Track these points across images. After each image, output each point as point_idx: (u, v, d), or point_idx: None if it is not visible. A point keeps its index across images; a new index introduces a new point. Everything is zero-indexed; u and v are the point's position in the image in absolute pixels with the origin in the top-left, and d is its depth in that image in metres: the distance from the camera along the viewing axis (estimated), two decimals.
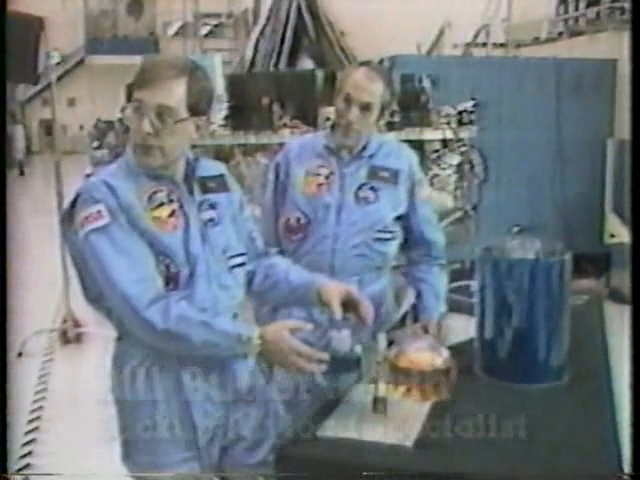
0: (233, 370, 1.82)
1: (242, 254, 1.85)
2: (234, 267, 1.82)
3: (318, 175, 2.36)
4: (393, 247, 2.40)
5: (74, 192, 1.72)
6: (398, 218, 2.39)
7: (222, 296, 1.77)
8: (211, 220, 1.78)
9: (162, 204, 1.71)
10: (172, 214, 1.71)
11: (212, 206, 1.79)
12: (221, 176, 1.86)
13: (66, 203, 1.73)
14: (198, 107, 1.69)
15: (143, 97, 1.63)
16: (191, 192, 1.77)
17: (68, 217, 1.71)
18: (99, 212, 1.64)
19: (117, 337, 1.80)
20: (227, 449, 1.88)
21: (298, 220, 2.37)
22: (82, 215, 1.65)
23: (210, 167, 1.85)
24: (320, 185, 2.35)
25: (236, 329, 1.68)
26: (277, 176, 2.44)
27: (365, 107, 2.24)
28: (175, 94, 1.64)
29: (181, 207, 1.73)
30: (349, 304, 1.81)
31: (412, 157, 2.46)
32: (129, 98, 1.69)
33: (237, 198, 1.89)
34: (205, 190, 1.80)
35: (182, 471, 1.78)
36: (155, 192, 1.71)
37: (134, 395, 1.77)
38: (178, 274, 1.70)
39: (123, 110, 1.68)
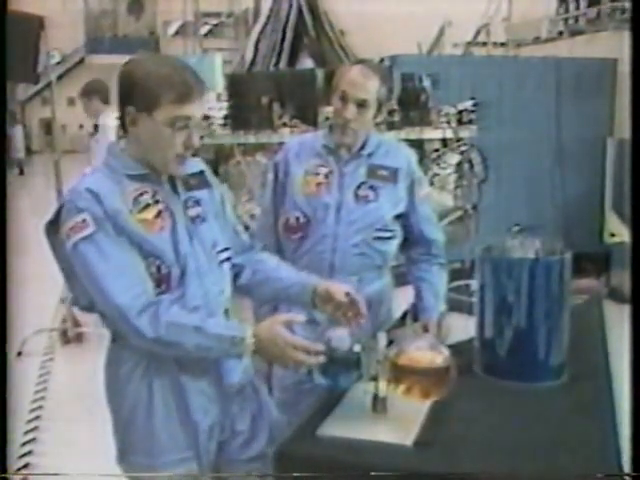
0: (229, 367, 1.82)
1: (227, 249, 1.86)
2: (223, 261, 1.83)
3: (317, 174, 2.36)
4: (393, 246, 2.40)
5: (58, 202, 1.71)
6: (398, 217, 2.38)
7: (213, 291, 1.78)
8: (198, 217, 1.79)
9: (148, 205, 1.70)
10: (158, 215, 1.70)
11: (197, 203, 1.80)
12: (201, 172, 1.86)
13: (49, 214, 1.71)
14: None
15: (191, 112, 1.65)
16: (175, 191, 1.76)
17: (52, 227, 1.70)
18: (84, 221, 1.62)
19: (111, 339, 1.79)
20: (223, 445, 1.89)
21: (297, 219, 2.37)
22: (67, 225, 1.64)
23: (190, 165, 1.82)
24: (319, 184, 2.35)
25: (229, 331, 1.67)
26: (276, 176, 2.44)
27: (361, 104, 2.24)
28: (205, 105, 1.72)
29: (167, 207, 1.73)
30: (347, 303, 1.82)
31: (411, 156, 2.45)
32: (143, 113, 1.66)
33: (218, 194, 1.90)
34: (189, 187, 1.80)
35: (179, 471, 1.78)
36: (140, 194, 1.70)
37: (130, 396, 1.76)
38: (169, 274, 1.70)
39: (168, 124, 1.64)
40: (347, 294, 1.83)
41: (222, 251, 1.83)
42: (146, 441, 1.76)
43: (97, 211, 1.63)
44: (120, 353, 1.77)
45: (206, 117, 1.72)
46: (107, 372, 1.82)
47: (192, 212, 1.78)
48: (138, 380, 1.75)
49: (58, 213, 1.68)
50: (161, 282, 1.69)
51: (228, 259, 1.86)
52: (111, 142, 1.83)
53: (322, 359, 1.65)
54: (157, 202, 1.71)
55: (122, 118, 1.71)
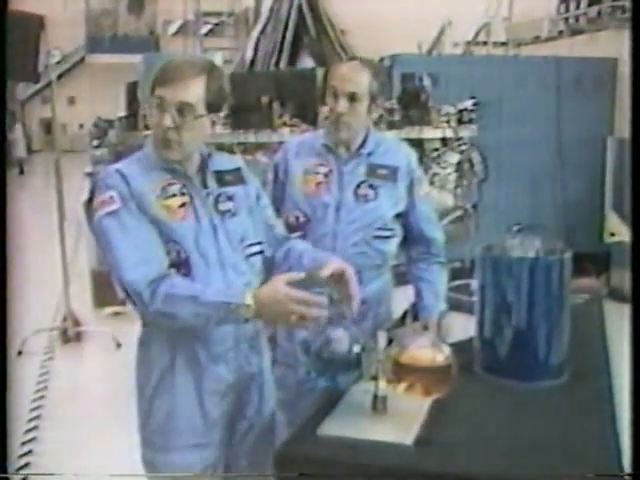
0: (247, 354, 1.90)
1: (259, 243, 1.92)
2: (251, 255, 1.89)
3: (317, 174, 2.36)
4: (393, 245, 2.40)
5: (93, 181, 1.85)
6: (397, 216, 2.38)
7: (236, 283, 1.83)
8: (229, 211, 1.87)
9: (174, 195, 1.79)
10: (182, 205, 1.80)
11: (230, 198, 1.89)
12: (238, 169, 1.96)
13: (86, 191, 1.82)
14: (214, 104, 1.80)
15: (165, 94, 1.73)
16: (204, 186, 1.85)
17: (89, 205, 1.80)
18: (111, 198, 1.74)
19: (142, 323, 1.85)
20: (236, 435, 1.96)
21: (297, 219, 2.37)
22: (97, 200, 1.76)
23: (227, 161, 1.96)
24: (319, 184, 2.35)
25: (225, 298, 1.69)
26: (276, 175, 2.44)
27: (352, 98, 2.25)
28: (195, 92, 1.74)
29: (192, 200, 1.81)
30: (341, 280, 1.84)
31: (410, 154, 2.45)
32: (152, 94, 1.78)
33: (254, 189, 1.98)
34: (222, 183, 1.89)
35: (191, 457, 1.85)
36: (169, 184, 1.80)
37: (155, 378, 1.84)
38: (188, 259, 1.78)
39: (146, 105, 1.76)
40: (338, 270, 1.84)
41: (252, 245, 1.90)
42: (165, 422, 1.84)
43: (124, 190, 1.75)
44: (150, 337, 1.85)
45: (187, 104, 1.72)
46: (137, 354, 1.89)
47: (223, 206, 1.86)
48: (164, 362, 1.83)
49: (92, 191, 1.80)
50: (181, 267, 1.77)
51: (259, 253, 1.92)
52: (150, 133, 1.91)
53: (325, 312, 1.67)
54: (183, 194, 1.81)
55: None
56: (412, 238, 2.44)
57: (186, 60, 1.85)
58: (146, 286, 1.68)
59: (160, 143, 1.77)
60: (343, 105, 2.25)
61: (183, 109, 1.73)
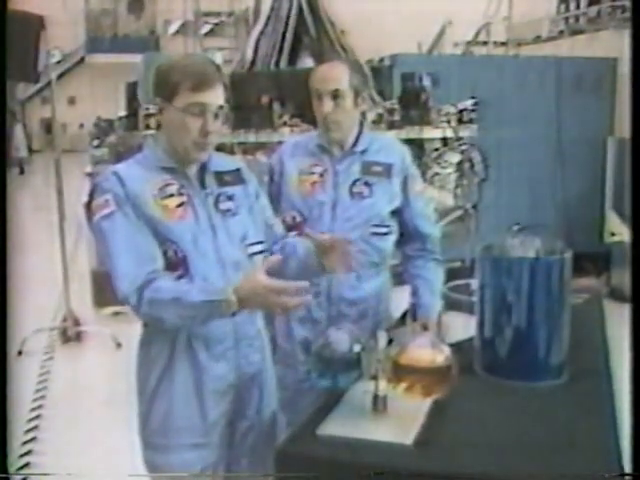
0: (247, 352, 1.90)
1: (260, 242, 1.93)
2: (253, 254, 1.90)
3: (312, 173, 2.37)
4: (389, 242, 2.40)
5: (92, 183, 1.85)
6: (393, 213, 2.39)
7: (236, 281, 1.80)
8: (229, 210, 1.88)
9: (172, 195, 1.80)
10: (180, 205, 1.80)
11: (230, 198, 1.90)
12: (237, 170, 1.97)
13: (85, 194, 1.84)
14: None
15: (205, 100, 1.76)
16: (203, 186, 1.86)
17: (88, 206, 1.80)
18: (107, 201, 1.75)
19: (143, 323, 1.86)
20: (237, 434, 1.96)
21: (294, 219, 2.37)
22: (95, 203, 1.78)
23: (226, 162, 1.97)
24: (314, 183, 2.37)
25: (206, 296, 1.68)
26: (272, 177, 2.45)
27: (335, 95, 2.27)
28: (222, 95, 1.80)
29: (190, 200, 1.82)
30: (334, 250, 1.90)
31: (404, 151, 2.46)
32: (165, 99, 1.79)
33: (253, 189, 1.99)
34: (222, 183, 1.90)
35: (191, 456, 1.85)
36: (167, 184, 1.81)
37: (155, 377, 1.84)
38: (185, 259, 1.77)
39: (184, 110, 1.75)
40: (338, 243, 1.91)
41: (254, 244, 1.91)
42: (165, 422, 1.84)
43: (119, 193, 1.75)
44: (150, 337, 1.85)
45: (221, 107, 1.79)
46: (138, 354, 1.90)
47: (223, 206, 1.88)
48: (164, 362, 1.83)
49: (91, 193, 1.80)
50: (178, 266, 1.77)
51: (260, 252, 1.92)
52: (150, 134, 1.93)
53: (309, 298, 1.66)
54: (181, 195, 1.81)
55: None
56: (407, 234, 2.44)
57: (212, 64, 1.86)
58: (134, 291, 1.68)
59: (196, 147, 1.79)
60: (328, 104, 2.27)
61: (218, 113, 1.79)
